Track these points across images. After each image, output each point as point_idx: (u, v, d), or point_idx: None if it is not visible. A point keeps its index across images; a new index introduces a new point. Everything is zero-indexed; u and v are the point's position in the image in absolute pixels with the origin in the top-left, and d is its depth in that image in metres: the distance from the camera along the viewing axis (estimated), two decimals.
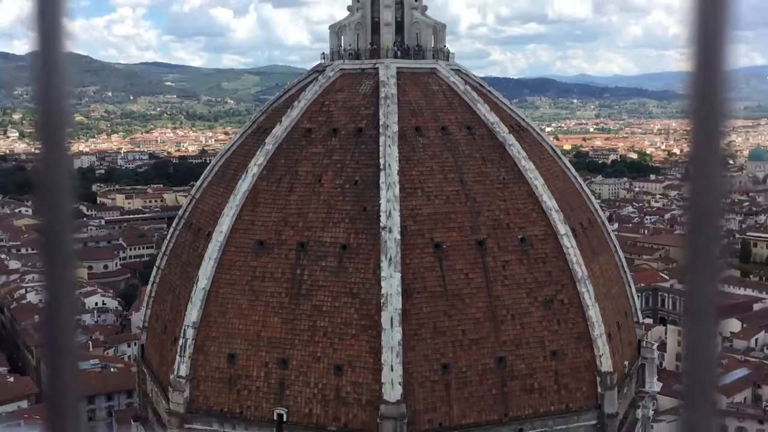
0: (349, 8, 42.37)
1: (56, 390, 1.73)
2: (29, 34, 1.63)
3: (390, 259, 32.77)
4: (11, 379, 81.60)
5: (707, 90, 1.64)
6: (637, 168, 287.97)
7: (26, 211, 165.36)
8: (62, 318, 1.74)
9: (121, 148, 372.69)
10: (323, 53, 42.34)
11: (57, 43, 1.70)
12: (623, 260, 43.53)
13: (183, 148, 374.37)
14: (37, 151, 1.75)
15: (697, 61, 1.62)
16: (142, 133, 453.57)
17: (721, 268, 1.70)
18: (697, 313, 1.71)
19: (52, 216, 1.73)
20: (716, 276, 1.70)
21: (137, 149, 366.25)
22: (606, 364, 34.53)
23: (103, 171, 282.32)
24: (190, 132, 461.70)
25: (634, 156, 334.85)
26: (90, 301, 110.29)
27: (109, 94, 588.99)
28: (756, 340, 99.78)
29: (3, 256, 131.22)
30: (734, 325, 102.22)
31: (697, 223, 1.69)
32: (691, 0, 1.60)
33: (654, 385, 42.36)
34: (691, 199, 1.70)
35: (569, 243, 35.58)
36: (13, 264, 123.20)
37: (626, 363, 38.54)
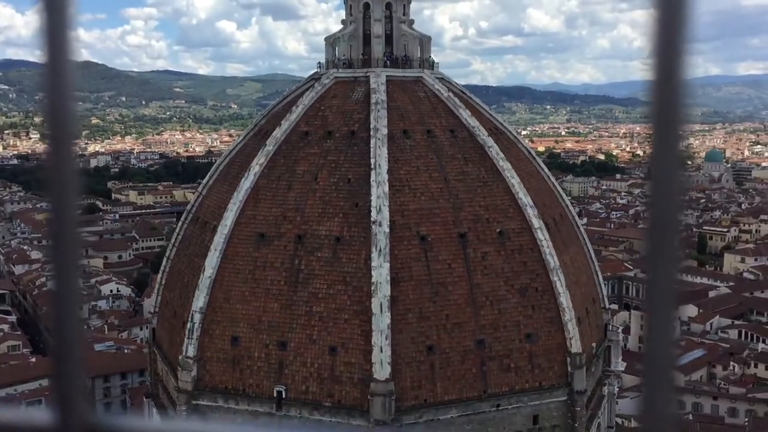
0: (343, 22, 42.25)
1: (62, 371, 1.69)
2: (40, 45, 1.59)
3: (380, 250, 32.73)
4: (33, 360, 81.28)
5: (666, 97, 1.62)
6: (604, 168, 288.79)
7: (46, 207, 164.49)
8: (68, 306, 1.70)
9: (134, 149, 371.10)
10: (319, 62, 42.20)
11: (64, 52, 1.66)
12: (591, 251, 43.64)
13: (191, 149, 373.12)
14: (46, 152, 1.71)
15: (657, 70, 1.61)
16: (153, 135, 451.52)
17: (680, 259, 1.67)
18: (656, 300, 1.68)
19: (59, 211, 1.69)
20: (675, 266, 1.67)
21: (149, 150, 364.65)
22: (576, 345, 34.62)
23: (117, 169, 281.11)
24: (197, 134, 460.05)
25: (602, 157, 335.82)
26: (105, 289, 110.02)
27: (123, 99, 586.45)
28: (711, 324, 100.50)
29: (25, 247, 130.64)
30: (691, 310, 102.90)
31: (656, 218, 1.66)
32: (652, 16, 1.59)
33: (619, 365, 42.55)
34: (652, 196, 1.67)
35: (543, 236, 35.62)
36: (35, 254, 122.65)
37: (594, 345, 38.68)
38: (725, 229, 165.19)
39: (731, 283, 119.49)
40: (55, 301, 1.66)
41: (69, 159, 1.70)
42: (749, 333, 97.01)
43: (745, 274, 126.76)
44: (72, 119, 1.68)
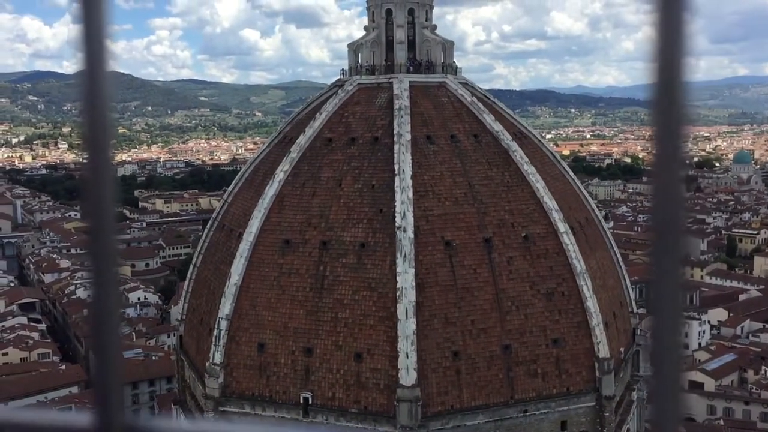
0: (366, 28, 42.39)
1: (102, 377, 1.73)
2: (76, 55, 1.64)
3: (405, 256, 32.72)
4: (63, 367, 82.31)
5: (668, 99, 1.65)
6: (631, 171, 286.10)
7: (75, 215, 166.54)
8: (106, 312, 1.74)
9: (160, 157, 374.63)
10: (342, 69, 42.35)
11: (101, 62, 1.71)
12: (618, 255, 43.26)
13: (216, 157, 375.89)
14: (83, 161, 1.76)
15: (658, 73, 1.63)
16: (178, 144, 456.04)
17: (685, 261, 1.68)
18: (662, 302, 1.69)
19: (97, 220, 1.74)
20: (680, 268, 1.68)
21: (174, 158, 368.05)
22: (603, 350, 34.31)
23: (144, 178, 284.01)
24: (222, 142, 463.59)
25: (628, 160, 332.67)
26: (133, 296, 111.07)
27: (149, 108, 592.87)
28: (742, 328, 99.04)
29: (55, 255, 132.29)
30: (722, 314, 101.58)
31: (660, 220, 1.68)
32: (653, 18, 1.61)
33: (648, 369, 41.97)
34: (655, 198, 1.69)
35: (568, 240, 35.39)
36: (64, 263, 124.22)
37: (622, 349, 38.30)
38: (755, 232, 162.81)
39: (762, 286, 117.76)
40: (93, 309, 1.71)
41: (107, 168, 1.75)
42: None
43: None
44: (109, 128, 1.74)
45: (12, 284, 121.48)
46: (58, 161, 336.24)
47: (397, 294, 32.16)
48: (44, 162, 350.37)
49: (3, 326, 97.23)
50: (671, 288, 1.65)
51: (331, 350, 32.93)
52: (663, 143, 1.63)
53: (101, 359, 1.73)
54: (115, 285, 1.72)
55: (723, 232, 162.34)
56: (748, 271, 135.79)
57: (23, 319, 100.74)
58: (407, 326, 31.64)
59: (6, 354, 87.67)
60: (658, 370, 1.64)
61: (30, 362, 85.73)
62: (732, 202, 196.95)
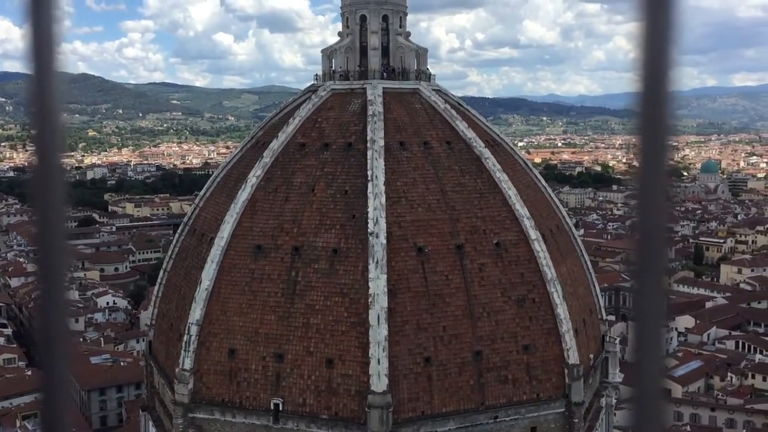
0: (340, 34, 42.38)
1: (49, 385, 1.66)
2: (25, 57, 1.58)
3: (377, 262, 32.68)
4: (29, 373, 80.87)
5: (653, 108, 1.62)
6: (601, 179, 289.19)
7: (32, 218, 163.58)
8: (55, 317, 1.67)
9: (131, 161, 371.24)
10: (316, 75, 42.28)
11: (50, 64, 1.65)
12: (588, 262, 43.62)
13: (188, 161, 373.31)
14: (32, 164, 1.69)
15: (644, 82, 1.60)
16: (150, 147, 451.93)
17: (667, 268, 1.65)
18: (644, 309, 1.66)
19: (45, 222, 1.67)
20: (663, 276, 1.65)
21: (145, 162, 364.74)
22: (573, 357, 34.54)
23: (114, 182, 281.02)
24: (194, 146, 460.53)
25: (598, 168, 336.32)
26: (102, 301, 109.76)
27: (120, 111, 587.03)
28: (708, 335, 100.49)
29: (21, 259, 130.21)
30: (688, 321, 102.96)
31: (644, 229, 1.65)
32: (639, 29, 1.58)
33: (616, 376, 42.39)
34: (639, 206, 1.66)
35: (540, 247, 35.61)
36: (31, 267, 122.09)
37: (591, 356, 38.57)
38: (722, 240, 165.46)
39: (728, 294, 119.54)
40: (42, 315, 1.64)
41: (56, 170, 1.68)
42: (746, 344, 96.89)
43: (742, 285, 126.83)
44: (59, 131, 1.67)
45: None
46: (25, 163, 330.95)
47: (369, 300, 32.10)
48: (12, 164, 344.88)
49: None
50: (654, 297, 1.62)
51: (302, 356, 32.76)
52: (647, 154, 1.61)
53: (48, 370, 1.65)
54: (64, 289, 1.65)
55: (690, 240, 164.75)
56: (715, 279, 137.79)
57: None
58: (379, 332, 31.58)
59: None
60: (640, 378, 1.60)
61: None
62: (699, 211, 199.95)
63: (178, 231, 43.79)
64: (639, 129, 1.62)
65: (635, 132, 1.59)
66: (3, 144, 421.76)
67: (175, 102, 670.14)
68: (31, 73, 1.64)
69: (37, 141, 1.65)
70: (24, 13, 1.62)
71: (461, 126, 38.48)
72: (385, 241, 33.21)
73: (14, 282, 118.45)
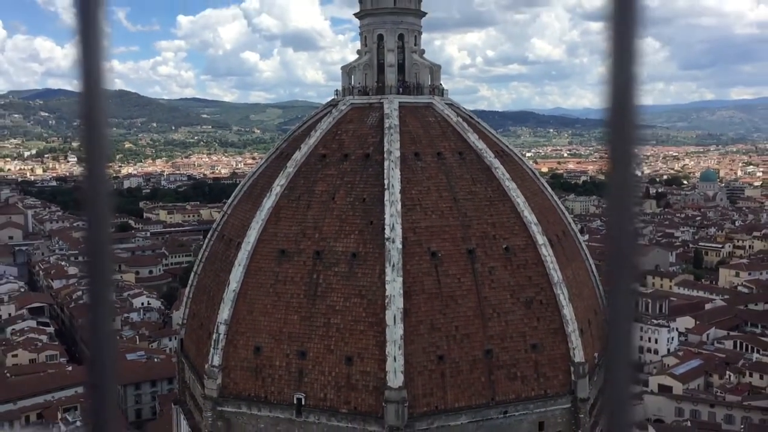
0: (359, 52, 42.51)
1: (96, 378, 1.70)
2: (76, 75, 1.62)
3: (393, 266, 32.68)
4: (69, 368, 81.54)
5: (621, 121, 1.64)
6: (605, 187, 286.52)
7: (81, 224, 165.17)
8: (102, 317, 1.71)
9: (164, 171, 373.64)
10: (336, 90, 42.41)
11: (98, 82, 1.70)
12: (593, 266, 43.33)
13: (217, 171, 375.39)
14: (81, 173, 1.73)
15: (612, 97, 1.62)
16: (182, 158, 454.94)
17: (638, 274, 1.66)
18: (616, 312, 1.67)
19: (94, 229, 1.71)
20: (633, 280, 1.66)
21: (178, 172, 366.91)
22: (579, 355, 34.32)
23: (148, 190, 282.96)
24: (223, 157, 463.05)
25: (602, 177, 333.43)
26: (137, 302, 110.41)
27: (154, 125, 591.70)
28: (707, 335, 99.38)
29: (63, 263, 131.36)
30: (689, 322, 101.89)
31: (615, 233, 1.66)
32: (606, 45, 1.60)
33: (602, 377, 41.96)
34: (609, 212, 1.68)
35: (547, 251, 35.45)
36: (72, 270, 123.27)
37: (596, 354, 38.30)
38: (720, 245, 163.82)
39: (726, 296, 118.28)
40: (89, 315, 1.68)
41: (103, 181, 1.72)
42: (744, 344, 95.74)
43: (740, 288, 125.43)
44: (105, 144, 1.71)
45: (22, 290, 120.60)
46: (67, 173, 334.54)
47: (386, 301, 32.09)
48: (54, 174, 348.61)
49: (13, 329, 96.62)
50: (624, 299, 1.64)
51: (323, 354, 32.79)
52: (617, 163, 1.63)
53: (95, 365, 1.69)
54: (111, 291, 1.69)
55: (690, 245, 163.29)
56: (714, 282, 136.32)
57: (32, 323, 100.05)
58: (395, 331, 31.56)
59: (16, 356, 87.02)
60: (612, 378, 1.62)
61: (38, 363, 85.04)
62: (699, 218, 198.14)
63: (208, 236, 44.03)
64: (609, 140, 1.64)
65: (606, 143, 1.61)
66: (47, 156, 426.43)
67: (205, 116, 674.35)
68: (80, 89, 1.69)
69: (85, 153, 1.70)
70: (73, 32, 1.66)
71: (472, 137, 38.43)
72: (400, 246, 33.21)
73: (56, 284, 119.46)
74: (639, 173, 1.69)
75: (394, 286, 32.26)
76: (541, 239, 35.62)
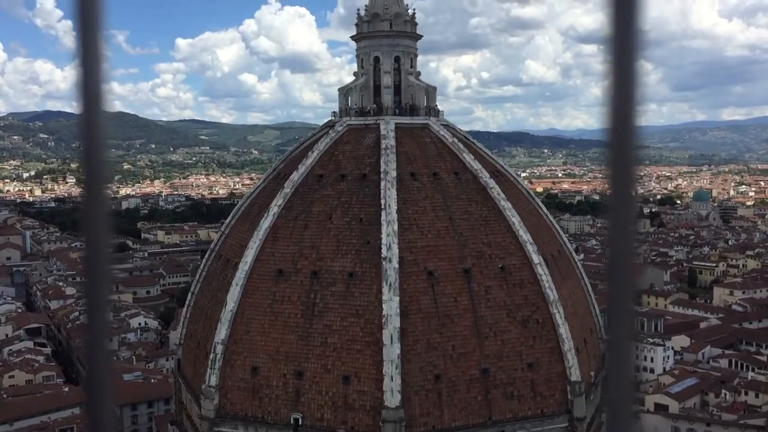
0: (355, 74, 42.77)
1: (93, 398, 1.68)
2: (76, 98, 1.63)
3: (390, 285, 32.62)
4: (66, 389, 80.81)
5: (621, 141, 1.64)
6: (599, 207, 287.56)
7: (81, 245, 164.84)
8: (99, 335, 1.71)
9: (162, 192, 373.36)
10: (333, 111, 42.61)
11: (97, 104, 1.70)
12: (588, 285, 43.31)
13: (214, 192, 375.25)
14: (80, 194, 1.74)
15: (612, 117, 1.63)
16: (180, 179, 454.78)
17: (637, 291, 1.66)
18: (616, 331, 1.66)
19: (93, 249, 1.71)
20: (633, 298, 1.66)
21: (176, 192, 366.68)
22: (575, 374, 34.18)
23: (146, 211, 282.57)
24: (221, 178, 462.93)
25: (597, 197, 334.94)
26: (134, 322, 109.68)
27: (153, 146, 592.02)
28: (703, 353, 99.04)
29: (61, 283, 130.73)
30: (684, 341, 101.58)
31: (615, 253, 1.66)
32: (606, 66, 1.61)
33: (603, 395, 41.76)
34: (611, 232, 1.68)
35: (542, 270, 35.44)
36: (70, 290, 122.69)
37: (592, 373, 38.15)
38: (714, 264, 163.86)
39: (721, 315, 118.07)
40: (87, 335, 1.67)
41: (102, 202, 1.72)
42: (739, 362, 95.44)
43: (734, 307, 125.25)
44: (105, 165, 1.72)
45: (20, 310, 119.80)
46: (66, 194, 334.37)
47: (383, 320, 31.99)
48: (53, 195, 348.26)
49: (10, 350, 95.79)
50: (625, 317, 1.63)
51: (320, 373, 32.61)
52: (617, 183, 1.63)
53: (93, 381, 1.69)
54: (108, 310, 1.68)
55: (684, 264, 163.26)
56: (708, 301, 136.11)
57: (29, 344, 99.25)
58: (392, 351, 31.42)
59: (12, 376, 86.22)
60: (613, 396, 1.61)
61: (35, 384, 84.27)
62: (692, 237, 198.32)
63: (206, 256, 43.93)
64: (609, 160, 1.65)
65: (606, 163, 1.62)
66: (45, 177, 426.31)
67: (203, 137, 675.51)
68: (80, 111, 1.69)
69: (85, 174, 1.70)
70: (73, 54, 1.67)
71: (468, 158, 38.56)
72: (397, 266, 33.18)
73: (53, 304, 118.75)
74: (637, 195, 1.69)
75: (391, 305, 32.18)
76: (536, 258, 35.62)
